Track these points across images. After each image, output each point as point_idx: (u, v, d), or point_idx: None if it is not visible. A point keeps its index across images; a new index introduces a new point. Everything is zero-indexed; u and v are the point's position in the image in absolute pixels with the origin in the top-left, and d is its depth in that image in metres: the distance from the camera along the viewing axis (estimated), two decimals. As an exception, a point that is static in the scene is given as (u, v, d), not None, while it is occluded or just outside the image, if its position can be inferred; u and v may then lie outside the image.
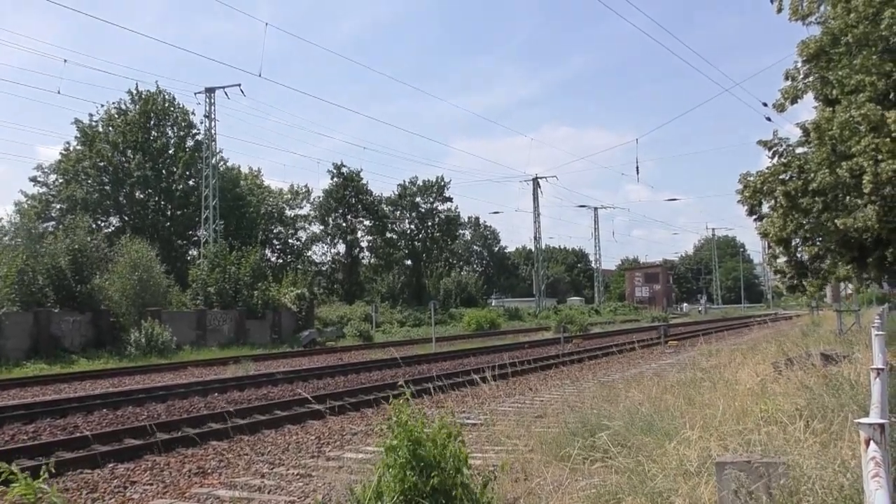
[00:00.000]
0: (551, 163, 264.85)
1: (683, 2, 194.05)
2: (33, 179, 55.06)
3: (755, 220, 19.96)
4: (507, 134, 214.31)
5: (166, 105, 55.64)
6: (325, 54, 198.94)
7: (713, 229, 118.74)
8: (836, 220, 16.48)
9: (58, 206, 53.19)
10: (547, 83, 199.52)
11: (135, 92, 54.60)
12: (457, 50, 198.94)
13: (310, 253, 72.14)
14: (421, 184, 71.58)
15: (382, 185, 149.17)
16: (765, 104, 22.70)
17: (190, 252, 57.23)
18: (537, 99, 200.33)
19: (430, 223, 72.22)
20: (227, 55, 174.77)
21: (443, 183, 71.75)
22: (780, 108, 18.62)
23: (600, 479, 6.31)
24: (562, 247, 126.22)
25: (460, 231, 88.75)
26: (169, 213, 56.49)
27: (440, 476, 5.02)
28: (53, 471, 5.67)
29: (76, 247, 32.57)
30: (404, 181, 72.18)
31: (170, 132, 56.60)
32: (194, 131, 55.81)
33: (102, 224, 53.27)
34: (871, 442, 3.32)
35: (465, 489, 5.19)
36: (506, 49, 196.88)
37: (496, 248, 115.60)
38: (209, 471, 10.08)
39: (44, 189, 54.92)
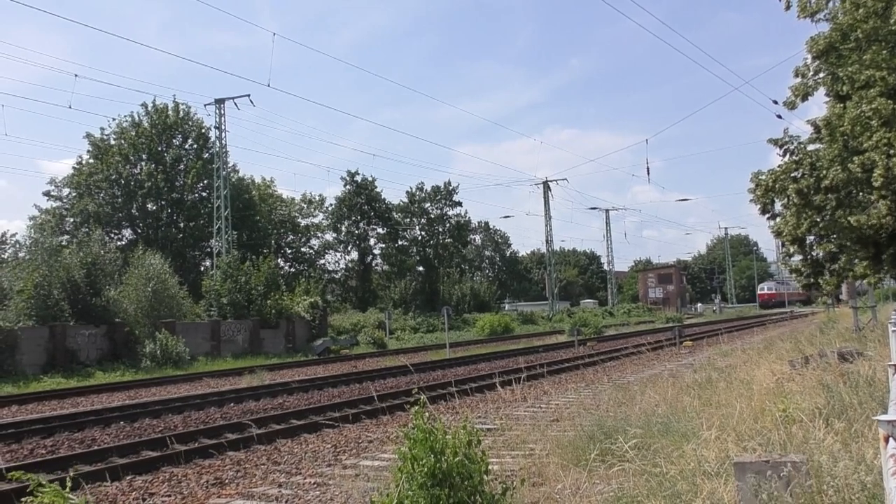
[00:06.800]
0: (558, 166, 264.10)
1: (691, 1, 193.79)
2: (47, 194, 55.63)
3: (768, 218, 19.86)
4: (513, 137, 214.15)
5: (181, 117, 56.04)
6: (329, 63, 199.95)
7: (726, 228, 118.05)
8: (849, 217, 16.37)
9: (71, 220, 53.59)
10: (550, 86, 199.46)
11: (150, 105, 55.16)
12: (458, 56, 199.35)
13: (322, 261, 72.30)
14: (429, 190, 71.51)
15: (389, 191, 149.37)
16: (775, 102, 22.64)
17: (203, 263, 57.49)
18: (541, 102, 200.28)
19: (440, 229, 72.13)
20: (235, 66, 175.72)
21: (451, 188, 71.67)
22: (791, 105, 18.54)
23: (618, 483, 6.28)
24: (573, 249, 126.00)
25: (471, 236, 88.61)
26: (181, 224, 56.80)
27: (463, 489, 5.00)
28: (72, 483, 5.68)
29: (90, 260, 32.75)
30: (412, 188, 72.15)
31: (186, 144, 57.02)
32: (209, 143, 56.14)
33: (115, 237, 53.59)
34: (891, 439, 3.29)
35: (485, 496, 5.17)
36: (507, 53, 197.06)
37: (507, 253, 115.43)
38: (227, 481, 10.10)
39: (57, 203, 55.43)
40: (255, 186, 64.86)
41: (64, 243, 40.53)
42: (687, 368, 17.02)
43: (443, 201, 71.71)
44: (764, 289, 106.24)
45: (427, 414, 5.33)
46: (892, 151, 15.07)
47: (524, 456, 8.73)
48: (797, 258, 20.63)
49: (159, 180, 53.56)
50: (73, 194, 54.80)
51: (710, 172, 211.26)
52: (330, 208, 70.19)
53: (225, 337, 37.17)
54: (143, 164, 54.81)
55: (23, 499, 5.30)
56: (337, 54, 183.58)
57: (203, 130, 56.33)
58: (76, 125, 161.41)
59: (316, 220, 71.92)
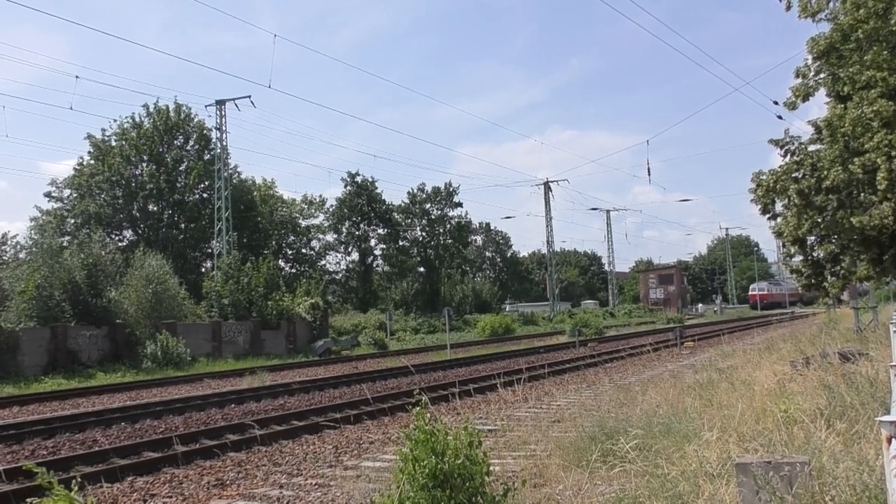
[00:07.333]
0: (559, 166, 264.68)
1: (690, 1, 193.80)
2: (48, 195, 55.65)
3: (769, 219, 19.87)
4: (513, 138, 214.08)
5: (182, 118, 56.08)
6: (328, 63, 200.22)
7: (726, 229, 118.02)
8: (851, 218, 16.36)
9: (72, 221, 53.61)
10: (550, 86, 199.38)
11: (151, 106, 55.23)
12: (458, 56, 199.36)
13: (323, 262, 72.32)
14: (430, 190, 71.46)
15: (389, 191, 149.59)
16: (776, 102, 22.61)
17: (204, 264, 57.50)
18: (541, 102, 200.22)
19: (441, 230, 72.09)
20: (235, 66, 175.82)
21: (451, 189, 71.61)
22: (792, 105, 18.53)
23: (620, 484, 6.28)
24: (574, 250, 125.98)
25: (472, 237, 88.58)
26: (182, 225, 56.83)
27: (464, 490, 4.99)
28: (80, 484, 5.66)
29: (91, 261, 32.77)
30: (413, 189, 72.12)
31: (187, 146, 57.07)
32: (211, 145, 56.08)
33: (116, 238, 53.62)
34: (894, 440, 3.28)
35: (486, 497, 5.16)
36: (507, 53, 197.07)
37: (508, 254, 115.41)
38: (228, 482, 10.10)
39: (58, 204, 55.43)
40: (256, 188, 64.91)
41: (65, 244, 40.56)
42: (688, 369, 17.00)
43: (443, 202, 71.69)
44: (756, 289, 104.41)
45: (428, 415, 5.33)
46: (893, 153, 15.08)
47: (525, 457, 8.72)
48: (798, 259, 20.63)
49: (160, 181, 53.58)
50: (74, 195, 54.83)
51: (710, 173, 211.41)
52: (331, 209, 70.24)
53: (226, 338, 37.18)
54: (145, 165, 54.86)
55: (28, 499, 5.28)
56: (337, 54, 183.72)
57: (204, 132, 56.36)
58: (77, 126, 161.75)
59: (317, 222, 72.03)
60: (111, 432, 14.81)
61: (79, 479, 5.49)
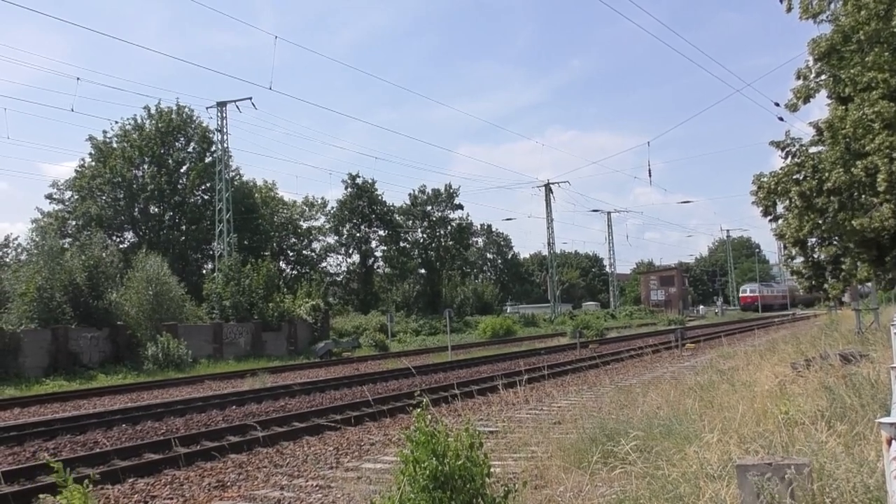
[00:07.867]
0: (560, 167, 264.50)
1: (690, 2, 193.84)
2: (49, 196, 55.69)
3: (770, 220, 19.87)
4: (513, 139, 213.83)
5: (184, 120, 56.11)
6: (326, 63, 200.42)
7: (727, 231, 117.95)
8: (852, 220, 16.35)
9: (73, 223, 53.64)
10: (550, 86, 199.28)
11: (153, 108, 55.27)
12: (458, 56, 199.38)
13: (324, 264, 72.31)
14: (430, 192, 71.47)
15: (389, 192, 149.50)
16: (777, 104, 22.62)
17: (205, 266, 57.53)
18: (541, 102, 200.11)
19: (441, 232, 72.10)
20: (235, 66, 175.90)
21: (452, 190, 71.62)
22: (793, 107, 18.53)
23: (620, 485, 6.28)
24: (575, 252, 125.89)
25: (473, 239, 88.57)
26: (183, 227, 56.87)
27: (465, 491, 4.99)
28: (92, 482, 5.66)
29: (92, 262, 32.79)
30: (413, 190, 72.13)
31: (189, 148, 57.13)
32: (213, 148, 56.07)
33: (117, 239, 53.67)
34: (894, 441, 3.28)
35: (487, 499, 5.16)
36: (507, 53, 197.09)
37: (509, 255, 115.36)
38: (229, 484, 10.10)
39: (59, 206, 55.48)
40: (258, 189, 64.95)
41: (66, 246, 40.59)
42: (689, 371, 16.99)
43: (444, 204, 71.71)
44: (746, 291, 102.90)
45: (429, 416, 5.32)
46: (894, 155, 15.08)
47: (526, 458, 8.72)
48: (799, 260, 20.63)
49: (162, 183, 53.63)
50: (76, 197, 54.88)
51: (711, 174, 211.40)
52: (331, 211, 70.20)
53: (227, 339, 37.19)
54: (146, 166, 54.92)
55: (41, 496, 5.30)
56: (336, 55, 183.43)
57: (207, 134, 56.38)
58: (78, 128, 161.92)
59: (317, 223, 72.03)
60: (112, 434, 14.81)
61: (91, 478, 5.50)
